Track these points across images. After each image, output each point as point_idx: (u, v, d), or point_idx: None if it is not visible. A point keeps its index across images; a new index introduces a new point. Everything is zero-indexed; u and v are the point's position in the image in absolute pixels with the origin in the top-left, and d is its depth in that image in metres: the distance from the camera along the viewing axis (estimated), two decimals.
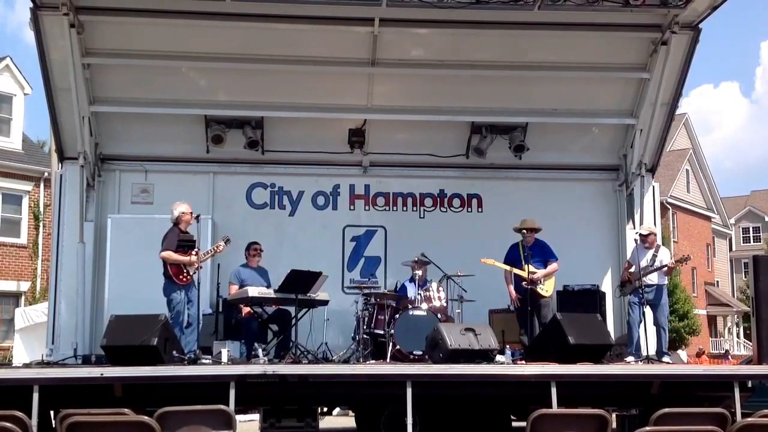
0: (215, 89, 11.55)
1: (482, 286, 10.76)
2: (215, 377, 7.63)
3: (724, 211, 48.42)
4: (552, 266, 10.35)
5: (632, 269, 10.17)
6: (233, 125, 11.48)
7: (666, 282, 10.38)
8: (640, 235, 10.40)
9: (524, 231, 10.32)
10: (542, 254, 10.38)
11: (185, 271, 9.22)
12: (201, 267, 9.32)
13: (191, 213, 9.46)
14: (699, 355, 25.45)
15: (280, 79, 11.32)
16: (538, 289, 10.17)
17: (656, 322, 10.15)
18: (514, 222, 10.86)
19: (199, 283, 9.31)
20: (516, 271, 10.24)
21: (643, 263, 10.08)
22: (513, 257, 10.40)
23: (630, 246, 11.39)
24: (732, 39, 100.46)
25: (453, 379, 7.95)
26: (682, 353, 24.93)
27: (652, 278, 10.06)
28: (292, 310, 9.60)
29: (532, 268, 10.14)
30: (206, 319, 10.33)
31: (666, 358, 9.91)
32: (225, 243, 9.69)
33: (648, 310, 10.10)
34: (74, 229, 11.15)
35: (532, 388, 7.86)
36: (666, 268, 10.14)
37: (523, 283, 10.11)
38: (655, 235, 10.51)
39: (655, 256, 10.12)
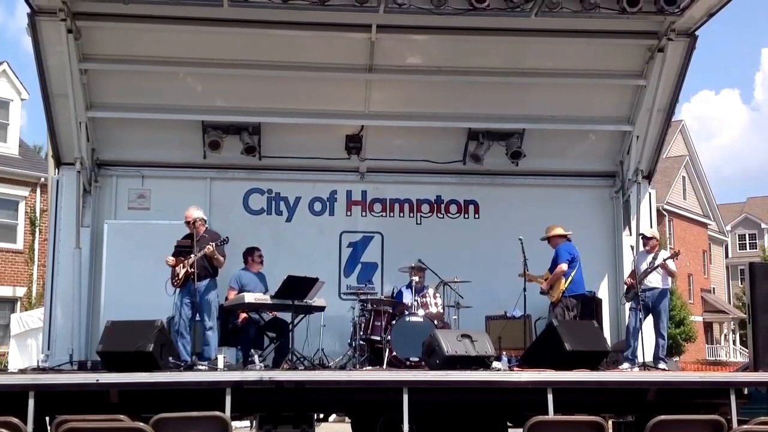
0: (212, 95, 11.55)
1: (479, 292, 10.79)
2: (211, 384, 7.63)
3: (720, 218, 48.42)
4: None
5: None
6: (230, 131, 11.48)
7: (669, 286, 10.32)
8: (644, 236, 10.37)
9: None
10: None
11: (175, 274, 9.32)
12: (190, 270, 9.18)
13: (192, 221, 9.43)
14: None
15: (277, 85, 11.32)
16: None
17: (655, 328, 10.11)
18: (511, 228, 10.88)
19: (196, 290, 9.27)
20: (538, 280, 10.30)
21: (643, 267, 10.07)
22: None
23: (626, 252, 11.41)
24: (733, 46, 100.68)
25: (449, 386, 7.96)
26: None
27: (655, 281, 10.02)
28: (288, 316, 9.59)
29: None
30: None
31: (662, 365, 9.90)
32: (216, 245, 9.34)
33: (648, 316, 10.08)
34: (71, 235, 11.13)
35: (528, 394, 7.86)
36: (667, 269, 10.03)
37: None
38: (657, 240, 10.52)
39: (654, 259, 10.11)
